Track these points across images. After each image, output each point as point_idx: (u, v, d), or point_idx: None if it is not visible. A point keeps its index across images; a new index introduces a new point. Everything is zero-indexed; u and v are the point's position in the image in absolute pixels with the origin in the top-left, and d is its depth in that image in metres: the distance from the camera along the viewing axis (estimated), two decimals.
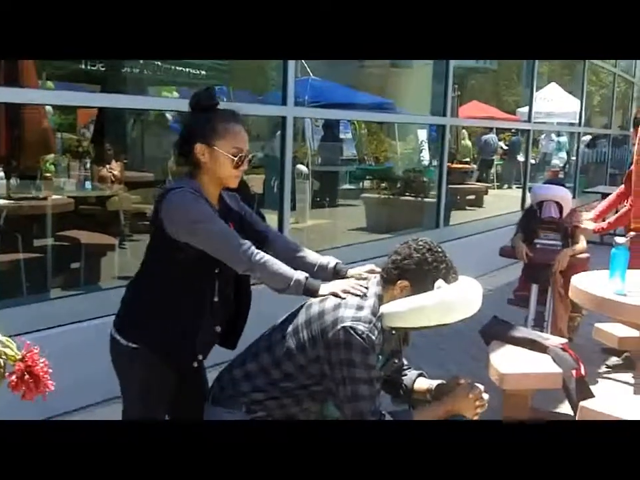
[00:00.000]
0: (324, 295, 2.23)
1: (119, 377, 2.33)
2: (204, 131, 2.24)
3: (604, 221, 4.83)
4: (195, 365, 2.34)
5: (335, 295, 2.22)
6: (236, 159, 2.25)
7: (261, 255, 2.21)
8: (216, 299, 2.30)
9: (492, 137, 16.06)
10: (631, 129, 4.64)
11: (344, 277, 2.35)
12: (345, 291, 2.23)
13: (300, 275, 2.24)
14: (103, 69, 7.52)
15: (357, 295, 2.22)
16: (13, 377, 1.46)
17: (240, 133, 2.28)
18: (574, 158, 12.65)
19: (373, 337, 2.10)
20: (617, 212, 4.52)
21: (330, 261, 2.42)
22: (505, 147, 17.04)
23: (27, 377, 1.47)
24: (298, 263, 2.37)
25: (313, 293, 2.25)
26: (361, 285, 2.26)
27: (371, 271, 2.37)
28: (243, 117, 2.33)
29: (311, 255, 2.46)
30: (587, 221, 4.65)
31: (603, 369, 4.69)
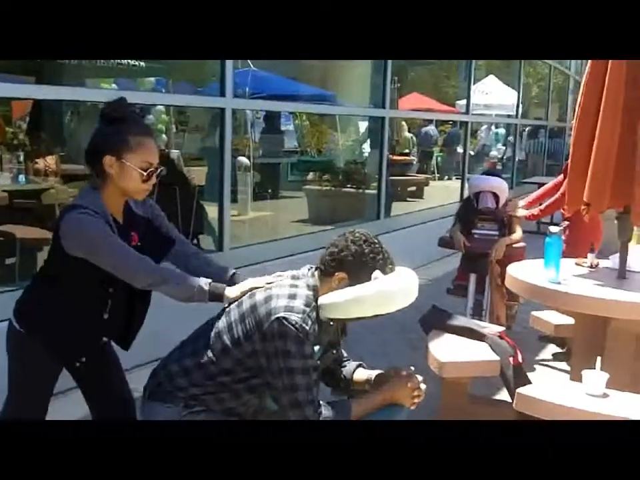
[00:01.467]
0: (232, 298, 2.24)
1: (11, 361, 2.33)
2: (114, 143, 2.22)
3: (540, 205, 4.92)
4: (78, 364, 2.35)
5: (244, 293, 2.23)
6: (145, 173, 2.24)
7: (160, 269, 2.23)
8: (106, 316, 2.33)
9: (432, 128, 16.24)
10: (569, 123, 4.75)
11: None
12: (254, 288, 2.24)
13: (202, 282, 2.24)
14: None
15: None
16: None
17: (151, 147, 2.27)
18: (511, 149, 12.89)
19: (307, 327, 2.10)
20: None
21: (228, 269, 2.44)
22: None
23: None
24: (202, 271, 2.37)
25: (218, 297, 2.24)
26: (269, 282, 2.27)
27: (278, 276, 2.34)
28: (153, 130, 2.33)
29: (213, 262, 2.49)
30: (520, 208, 4.75)
31: (542, 356, 4.81)
